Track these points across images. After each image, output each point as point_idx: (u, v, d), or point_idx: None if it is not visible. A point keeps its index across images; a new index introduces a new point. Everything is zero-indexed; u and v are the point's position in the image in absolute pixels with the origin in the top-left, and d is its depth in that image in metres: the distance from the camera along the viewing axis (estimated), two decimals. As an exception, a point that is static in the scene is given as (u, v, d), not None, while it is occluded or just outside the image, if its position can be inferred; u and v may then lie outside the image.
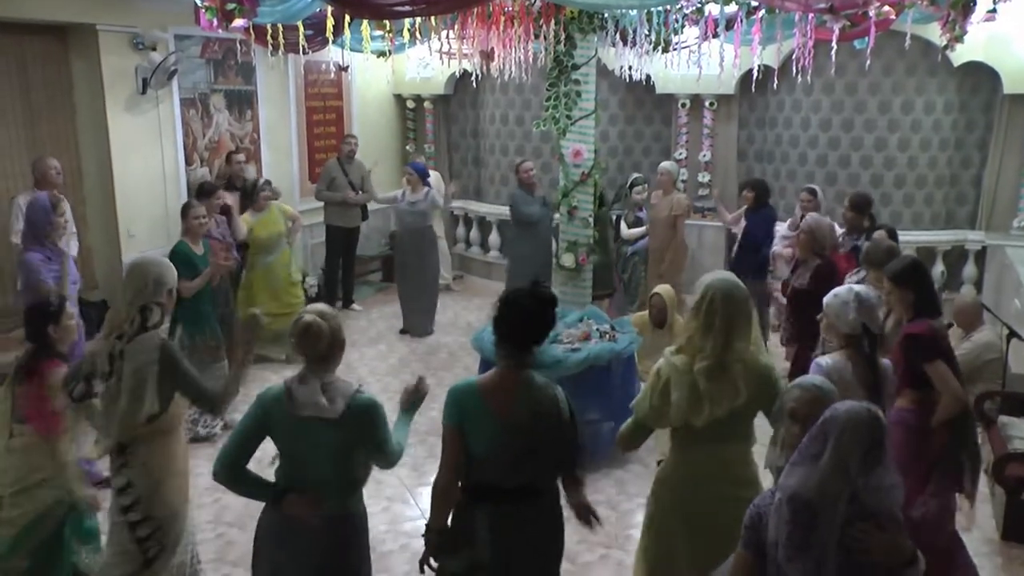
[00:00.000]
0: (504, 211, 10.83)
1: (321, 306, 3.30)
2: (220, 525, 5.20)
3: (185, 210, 6.40)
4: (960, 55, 8.34)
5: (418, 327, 9.00)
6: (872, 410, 2.55)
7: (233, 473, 3.15)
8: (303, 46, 6.21)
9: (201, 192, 7.09)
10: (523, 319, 3.07)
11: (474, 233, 11.64)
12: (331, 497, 3.14)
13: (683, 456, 3.39)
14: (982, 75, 8.84)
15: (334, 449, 3.10)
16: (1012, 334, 6.26)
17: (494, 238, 11.32)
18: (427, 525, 3.17)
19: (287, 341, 7.05)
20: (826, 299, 3.86)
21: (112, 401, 3.58)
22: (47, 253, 5.59)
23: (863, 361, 3.72)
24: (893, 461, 2.57)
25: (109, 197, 8.00)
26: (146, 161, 8.25)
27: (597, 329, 6.22)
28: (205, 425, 6.40)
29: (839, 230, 6.95)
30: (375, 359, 8.27)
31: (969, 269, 9.17)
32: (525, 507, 3.14)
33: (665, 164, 8.65)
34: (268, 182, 8.24)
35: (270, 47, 6.18)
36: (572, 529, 3.37)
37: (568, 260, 6.52)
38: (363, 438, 3.14)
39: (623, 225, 8.57)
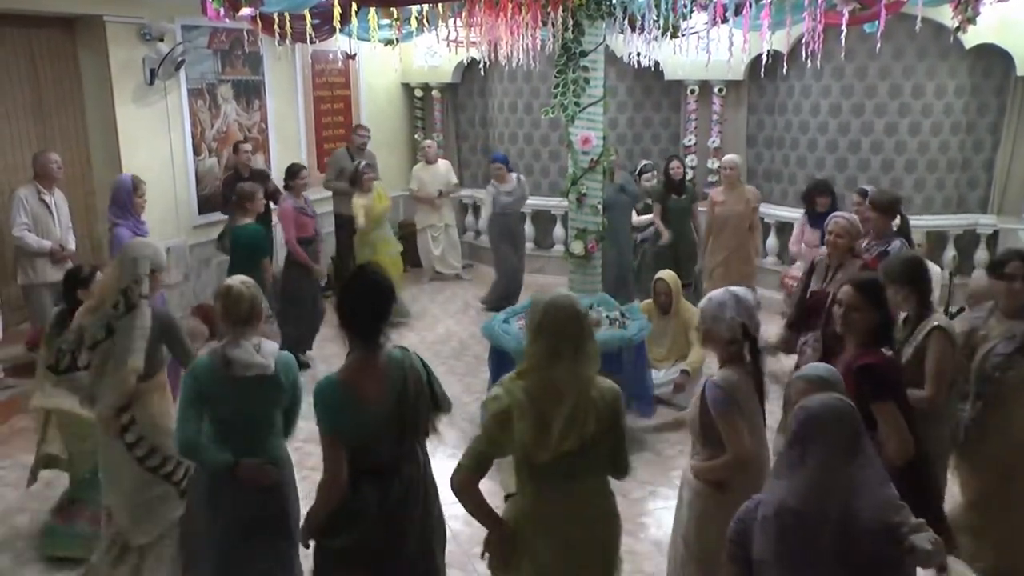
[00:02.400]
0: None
1: (243, 276, 3.62)
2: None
3: (252, 194, 6.93)
4: (972, 37, 8.26)
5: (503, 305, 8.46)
6: (844, 400, 2.50)
7: (196, 448, 3.43)
8: (310, 35, 6.20)
9: (289, 173, 7.72)
10: (364, 303, 3.14)
11: (483, 222, 11.61)
12: (263, 448, 3.50)
13: (533, 495, 3.04)
14: (994, 57, 8.77)
15: (270, 402, 3.50)
16: (1025, 318, 6.22)
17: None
18: (311, 511, 3.20)
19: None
20: (700, 305, 3.58)
21: (104, 366, 3.93)
22: (132, 226, 6.17)
23: (748, 369, 3.44)
24: (876, 454, 2.51)
25: (118, 188, 8.02)
26: (154, 152, 8.26)
27: (607, 316, 6.21)
28: None
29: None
30: (385, 348, 8.27)
31: (981, 253, 9.11)
32: (405, 475, 3.20)
33: (731, 157, 8.29)
34: (369, 164, 8.76)
35: (277, 36, 6.17)
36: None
37: (577, 247, 6.50)
38: (290, 389, 3.55)
39: (632, 212, 8.54)
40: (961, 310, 7.04)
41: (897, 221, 6.04)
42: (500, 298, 9.03)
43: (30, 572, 4.68)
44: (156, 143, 8.29)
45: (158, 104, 8.29)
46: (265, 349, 3.49)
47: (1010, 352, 3.80)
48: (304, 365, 7.47)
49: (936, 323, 3.97)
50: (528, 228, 10.98)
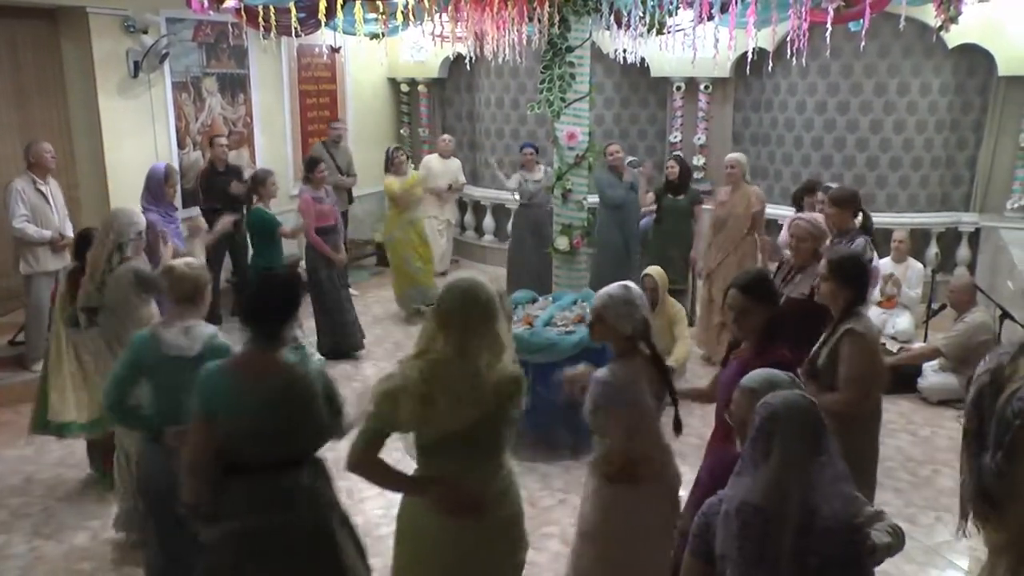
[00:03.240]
0: (499, 195, 10.83)
1: (188, 258, 3.92)
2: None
3: (264, 179, 7.18)
4: (955, 37, 8.33)
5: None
6: (806, 395, 2.49)
7: (121, 410, 3.62)
8: (296, 28, 6.18)
9: (308, 166, 7.87)
10: (264, 302, 3.22)
11: (469, 217, 11.61)
12: None
13: (427, 475, 3.02)
14: (977, 57, 8.83)
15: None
16: (1005, 315, 6.28)
17: (489, 222, 11.29)
18: (184, 500, 3.22)
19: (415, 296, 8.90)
20: (599, 301, 3.45)
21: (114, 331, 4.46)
22: (162, 213, 6.34)
23: (647, 365, 3.38)
24: (838, 451, 2.47)
25: (102, 181, 7.97)
26: (138, 145, 8.22)
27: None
28: None
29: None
30: (372, 343, 8.24)
31: (963, 251, 9.19)
32: (283, 479, 3.19)
33: (734, 155, 7.71)
34: (399, 148, 9.01)
35: (262, 30, 6.15)
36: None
37: (562, 243, 6.51)
38: None
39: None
40: (943, 307, 7.12)
41: (859, 218, 5.80)
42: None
43: (10, 567, 4.66)
44: (140, 136, 8.25)
45: (142, 97, 8.24)
46: (195, 332, 3.62)
47: None
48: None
49: (849, 325, 3.84)
50: (515, 223, 10.99)
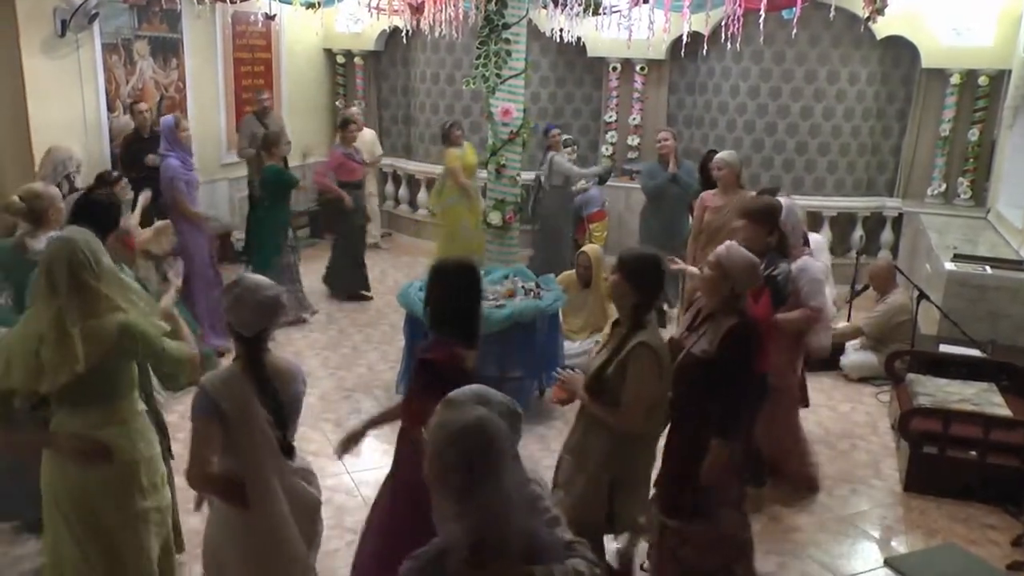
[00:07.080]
0: (433, 168, 10.83)
1: (40, 183, 4.74)
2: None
3: (277, 140, 8.11)
4: (882, 28, 8.58)
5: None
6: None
7: None
8: (230, -6, 6.11)
9: (342, 124, 8.84)
10: None
11: (403, 191, 11.56)
12: None
13: (55, 425, 3.22)
14: (902, 49, 9.09)
15: None
16: (922, 296, 6.52)
17: (423, 196, 11.25)
18: None
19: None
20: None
21: None
22: (181, 157, 7.03)
23: (253, 374, 2.99)
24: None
25: (25, 143, 7.72)
26: (65, 106, 7.99)
27: (522, 286, 6.28)
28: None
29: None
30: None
31: (886, 235, 9.49)
32: None
33: (723, 155, 6.38)
34: (456, 122, 9.03)
35: (195, -7, 6.04)
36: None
37: (495, 218, 6.55)
38: None
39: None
40: (866, 287, 7.35)
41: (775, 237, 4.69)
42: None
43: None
44: (67, 97, 8.02)
45: (70, 57, 8.01)
46: None
47: None
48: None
49: (642, 339, 3.47)
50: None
